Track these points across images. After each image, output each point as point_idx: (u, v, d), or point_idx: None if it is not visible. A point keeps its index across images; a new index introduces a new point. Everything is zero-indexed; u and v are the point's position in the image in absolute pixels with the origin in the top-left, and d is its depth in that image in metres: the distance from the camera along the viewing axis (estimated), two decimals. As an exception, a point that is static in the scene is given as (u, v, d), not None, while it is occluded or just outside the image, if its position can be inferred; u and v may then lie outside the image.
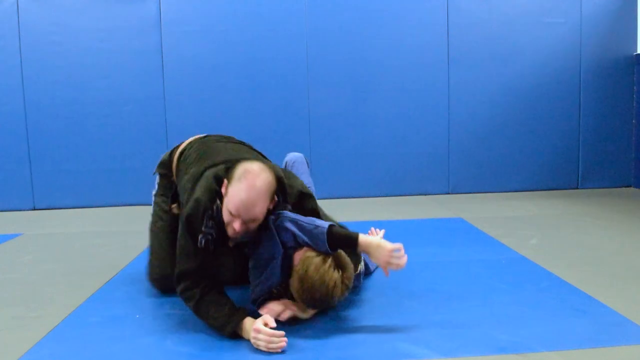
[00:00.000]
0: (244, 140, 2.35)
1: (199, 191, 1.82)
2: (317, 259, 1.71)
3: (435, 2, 4.49)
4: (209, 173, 1.88)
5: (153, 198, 2.36)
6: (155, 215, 2.30)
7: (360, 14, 4.45)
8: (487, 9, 4.52)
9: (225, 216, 1.76)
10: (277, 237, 1.80)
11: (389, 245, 1.75)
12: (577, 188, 4.72)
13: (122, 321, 1.92)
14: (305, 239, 1.76)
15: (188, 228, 1.79)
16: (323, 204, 2.17)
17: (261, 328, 1.64)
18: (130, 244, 3.02)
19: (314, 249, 1.76)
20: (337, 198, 4.46)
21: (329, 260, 1.72)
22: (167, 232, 2.21)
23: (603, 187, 4.71)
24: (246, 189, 1.70)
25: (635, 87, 4.66)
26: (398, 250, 1.76)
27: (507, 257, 2.63)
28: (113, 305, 2.10)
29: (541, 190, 4.69)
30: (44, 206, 4.39)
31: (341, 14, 4.44)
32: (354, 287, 2.07)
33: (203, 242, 1.78)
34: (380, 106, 4.54)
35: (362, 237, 1.78)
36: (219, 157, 1.99)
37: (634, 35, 4.63)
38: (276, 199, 1.82)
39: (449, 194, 4.65)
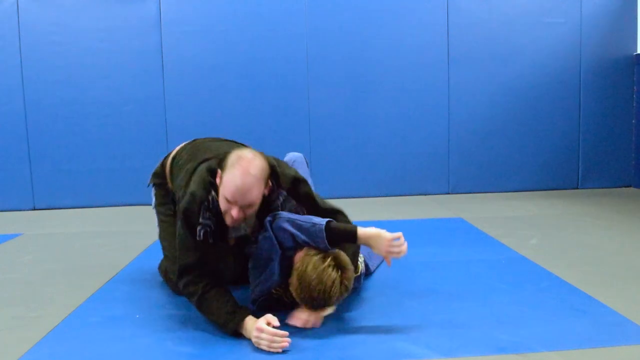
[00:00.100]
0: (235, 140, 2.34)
1: (193, 185, 1.84)
2: (316, 258, 1.71)
3: (435, 2, 4.49)
4: (202, 167, 1.89)
5: (154, 210, 2.36)
6: (161, 224, 2.29)
7: (360, 14, 4.46)
8: (487, 9, 4.52)
9: (222, 205, 1.77)
10: (274, 239, 1.79)
11: (388, 234, 1.76)
12: (577, 188, 4.72)
13: (122, 321, 1.92)
14: (304, 237, 1.76)
15: (186, 221, 1.80)
16: (323, 204, 2.16)
17: (264, 327, 1.65)
18: (130, 244, 3.02)
19: (314, 248, 1.76)
20: (337, 198, 4.46)
21: (329, 260, 1.71)
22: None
23: (603, 187, 4.71)
24: (241, 175, 1.72)
25: (635, 87, 4.66)
26: (398, 239, 1.77)
27: (507, 257, 2.63)
28: (113, 305, 2.10)
29: (541, 190, 4.69)
30: (44, 206, 4.39)
31: (341, 14, 4.44)
32: (354, 289, 2.07)
33: (202, 234, 1.79)
34: (380, 106, 4.54)
35: (361, 230, 1.78)
36: (210, 153, 2.00)
37: (634, 35, 4.63)
38: (270, 184, 1.84)
39: (449, 194, 4.65)
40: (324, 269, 1.68)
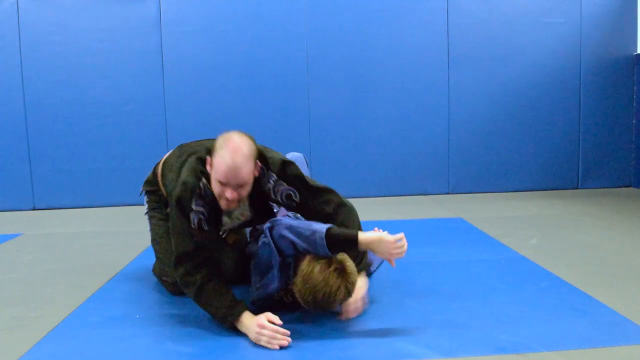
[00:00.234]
0: None
1: (184, 174, 1.87)
2: (323, 262, 1.72)
3: (435, 2, 4.49)
4: (192, 158, 1.92)
5: (146, 217, 2.37)
6: (154, 227, 2.29)
7: (360, 14, 4.46)
8: (487, 9, 4.52)
9: (216, 188, 1.80)
10: (273, 246, 1.79)
11: (390, 237, 1.75)
12: (577, 188, 4.72)
13: (122, 321, 1.92)
14: (304, 245, 1.74)
15: (180, 210, 1.82)
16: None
17: (266, 324, 1.67)
18: (130, 244, 3.02)
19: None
20: (337, 198, 4.45)
21: (335, 264, 1.72)
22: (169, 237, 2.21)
23: (603, 187, 4.71)
24: (230, 154, 1.74)
25: (635, 87, 4.66)
26: (400, 240, 1.76)
27: (507, 257, 2.63)
28: (113, 305, 2.10)
29: (541, 190, 4.69)
30: (44, 206, 4.39)
31: (341, 14, 4.44)
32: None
33: (196, 221, 1.81)
34: (380, 106, 4.54)
35: (362, 236, 1.76)
36: (198, 147, 2.02)
37: (634, 35, 4.63)
38: (259, 164, 1.86)
39: (449, 194, 4.65)
40: (330, 273, 1.69)
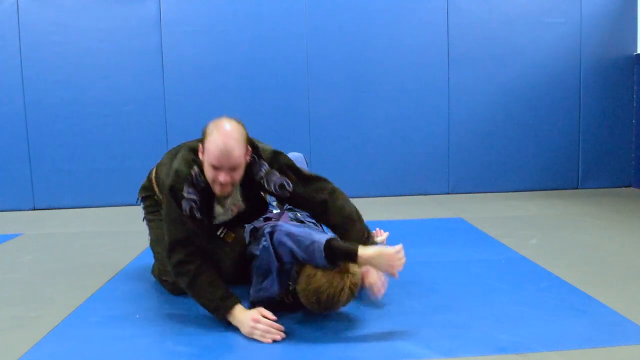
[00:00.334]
0: None
1: (176, 164, 1.89)
2: None
3: (435, 2, 4.49)
4: (184, 149, 1.95)
5: (145, 222, 2.38)
6: (153, 230, 2.30)
7: (360, 14, 4.45)
8: (487, 9, 4.52)
9: (209, 173, 1.82)
10: (272, 251, 1.79)
11: (390, 250, 1.73)
12: (577, 188, 4.72)
13: (122, 321, 1.92)
14: (303, 254, 1.74)
15: (174, 197, 1.84)
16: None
17: (261, 318, 1.71)
18: (130, 244, 3.02)
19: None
20: (337, 198, 4.45)
21: (340, 265, 1.73)
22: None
23: (603, 187, 4.71)
24: (221, 137, 1.77)
25: (635, 87, 4.66)
26: (399, 251, 1.75)
27: (507, 257, 2.63)
28: (113, 305, 2.10)
29: (541, 190, 4.69)
30: (44, 206, 4.39)
31: (341, 14, 4.44)
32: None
33: (187, 208, 1.83)
34: (380, 106, 4.54)
35: (362, 251, 1.72)
36: (191, 142, 2.04)
37: (634, 35, 4.63)
38: (250, 150, 1.88)
39: (449, 194, 4.65)
40: (334, 275, 1.70)
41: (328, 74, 4.47)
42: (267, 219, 2.41)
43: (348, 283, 1.71)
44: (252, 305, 1.89)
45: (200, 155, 1.86)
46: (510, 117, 4.62)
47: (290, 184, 1.95)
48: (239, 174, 1.84)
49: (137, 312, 2.01)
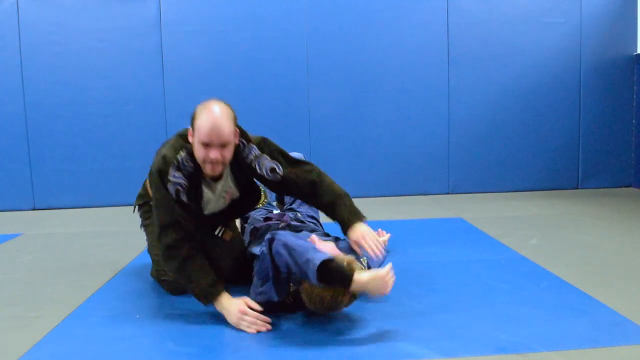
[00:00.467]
0: None
1: (164, 150, 1.92)
2: None
3: (435, 2, 4.49)
4: (174, 136, 1.98)
5: (143, 229, 2.40)
6: (150, 234, 2.30)
7: (360, 14, 4.45)
8: (487, 9, 4.52)
9: (200, 153, 1.84)
10: (268, 258, 1.79)
11: (382, 272, 1.70)
12: (577, 188, 4.72)
13: (122, 321, 1.92)
14: (296, 270, 1.73)
15: (161, 182, 1.86)
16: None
17: (248, 310, 1.76)
18: (130, 244, 3.02)
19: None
20: (337, 198, 4.45)
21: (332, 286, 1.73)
22: None
23: (603, 187, 4.71)
24: (211, 115, 1.83)
25: (635, 87, 4.66)
26: (388, 272, 1.72)
27: (507, 257, 2.63)
28: (113, 305, 2.10)
29: (541, 190, 4.69)
30: (44, 206, 4.39)
31: (341, 14, 4.44)
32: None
33: (173, 191, 1.86)
34: (380, 106, 4.54)
35: (358, 277, 1.68)
36: (181, 130, 2.06)
37: (634, 35, 4.63)
38: (238, 132, 1.93)
39: (449, 194, 4.65)
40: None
41: (328, 74, 4.47)
42: (268, 219, 2.41)
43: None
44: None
45: (190, 138, 1.89)
46: (510, 117, 4.62)
47: (281, 168, 2.00)
48: (229, 152, 1.88)
49: (137, 312, 2.01)
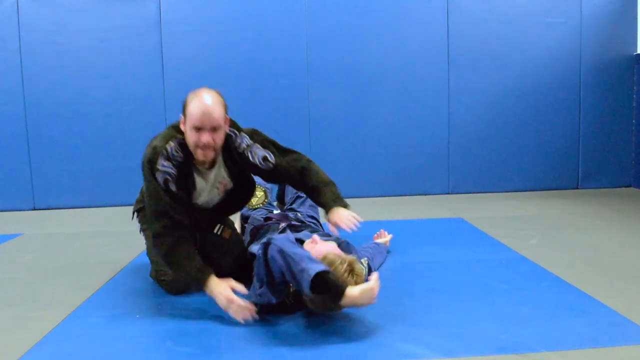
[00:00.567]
0: None
1: (155, 140, 1.96)
2: (337, 263, 1.75)
3: (435, 2, 4.49)
4: (166, 127, 2.02)
5: (141, 234, 2.41)
6: (149, 237, 2.29)
7: (360, 15, 4.45)
8: (487, 9, 4.52)
9: (192, 138, 1.88)
10: (262, 263, 1.79)
11: (369, 284, 1.71)
12: (577, 188, 4.72)
13: (122, 321, 1.92)
14: (290, 278, 1.72)
15: (151, 171, 1.91)
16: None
17: (235, 298, 1.81)
18: (130, 244, 3.02)
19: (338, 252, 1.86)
20: (337, 198, 4.45)
21: (345, 265, 1.75)
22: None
23: (603, 187, 4.71)
24: (202, 100, 1.87)
25: (635, 87, 4.66)
26: (375, 282, 1.72)
27: (507, 257, 2.63)
28: (113, 305, 2.10)
29: (541, 190, 4.69)
30: (44, 206, 4.39)
31: (341, 14, 4.44)
32: None
33: (162, 180, 1.90)
34: (380, 106, 4.54)
35: (350, 292, 1.68)
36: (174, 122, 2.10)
37: (634, 35, 4.63)
38: (229, 119, 1.96)
39: (449, 194, 4.65)
40: (340, 275, 1.73)
41: (328, 74, 4.47)
42: (268, 219, 2.42)
43: (353, 283, 1.73)
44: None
45: (182, 126, 1.93)
46: (510, 118, 4.62)
47: (273, 156, 2.06)
48: (220, 137, 1.91)
49: (137, 312, 2.01)
